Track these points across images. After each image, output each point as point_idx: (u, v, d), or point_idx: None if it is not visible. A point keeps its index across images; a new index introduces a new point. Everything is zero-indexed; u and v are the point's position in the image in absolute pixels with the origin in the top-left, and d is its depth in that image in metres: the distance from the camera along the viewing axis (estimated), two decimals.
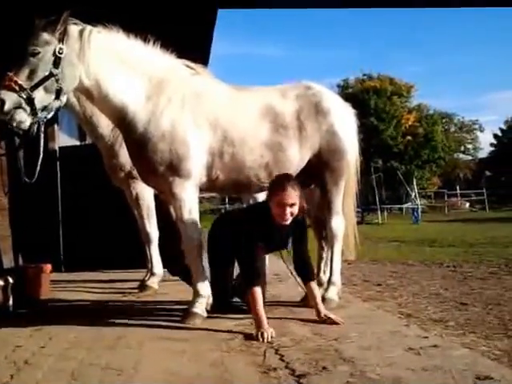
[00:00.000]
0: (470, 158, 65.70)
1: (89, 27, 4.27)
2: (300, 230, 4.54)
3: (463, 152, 65.21)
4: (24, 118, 3.98)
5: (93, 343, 3.89)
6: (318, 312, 4.36)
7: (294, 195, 4.22)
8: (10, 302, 5.17)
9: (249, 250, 4.32)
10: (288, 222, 4.29)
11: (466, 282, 7.32)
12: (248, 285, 4.17)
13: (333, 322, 4.22)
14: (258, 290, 4.12)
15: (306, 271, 4.55)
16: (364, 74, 53.22)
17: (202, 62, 5.05)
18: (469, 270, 8.58)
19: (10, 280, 5.21)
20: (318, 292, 4.53)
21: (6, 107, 3.89)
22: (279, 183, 4.32)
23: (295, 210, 4.26)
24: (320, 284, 5.14)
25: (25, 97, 3.93)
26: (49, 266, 6.25)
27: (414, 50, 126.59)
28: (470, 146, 65.35)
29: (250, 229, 4.38)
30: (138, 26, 4.42)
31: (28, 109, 3.97)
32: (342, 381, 2.92)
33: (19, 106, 3.94)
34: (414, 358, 3.30)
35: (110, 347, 3.76)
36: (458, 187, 50.90)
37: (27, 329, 4.43)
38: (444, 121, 59.87)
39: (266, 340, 3.77)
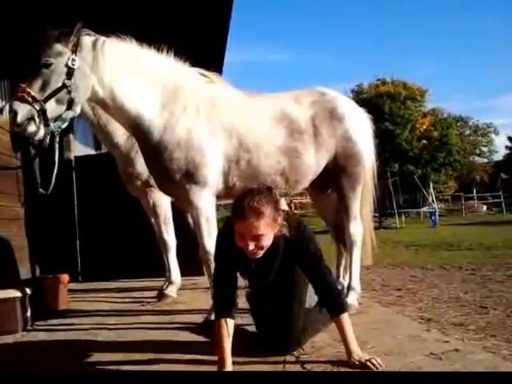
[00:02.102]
0: (485, 160, 65.39)
1: (102, 38, 4.27)
2: (300, 255, 3.43)
3: (479, 155, 64.94)
4: (36, 130, 3.97)
5: (111, 354, 3.89)
6: (350, 353, 3.25)
7: (258, 225, 3.08)
8: (28, 313, 5.17)
9: (221, 273, 3.48)
10: (258, 256, 3.26)
11: (485, 286, 7.25)
12: (215, 316, 3.43)
13: (365, 366, 3.12)
14: (223, 323, 3.25)
15: (332, 302, 3.42)
16: (378, 79, 53.14)
17: (215, 69, 5.04)
18: (488, 273, 8.50)
19: (28, 291, 5.22)
20: (349, 328, 3.32)
21: (19, 119, 3.89)
22: (238, 206, 3.18)
23: (265, 241, 3.17)
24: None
25: (37, 108, 3.92)
26: (66, 276, 6.28)
27: (425, 52, 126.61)
28: (485, 149, 65.06)
29: (224, 249, 3.46)
30: (151, 33, 4.42)
31: (40, 120, 3.96)
32: None
33: (32, 118, 3.93)
34: (435, 362, 3.25)
35: (128, 357, 3.76)
36: (474, 190, 50.63)
37: (45, 340, 4.43)
38: (458, 124, 59.66)
39: None
